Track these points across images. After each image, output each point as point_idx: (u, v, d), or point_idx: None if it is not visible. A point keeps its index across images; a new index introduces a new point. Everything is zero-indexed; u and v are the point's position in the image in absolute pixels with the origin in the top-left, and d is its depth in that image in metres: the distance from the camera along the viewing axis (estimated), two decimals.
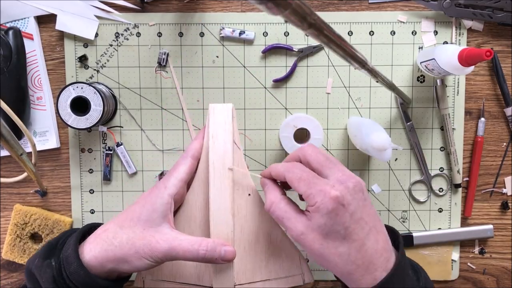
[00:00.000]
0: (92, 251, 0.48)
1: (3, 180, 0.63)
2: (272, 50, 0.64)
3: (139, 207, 0.49)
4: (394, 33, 0.64)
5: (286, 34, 0.64)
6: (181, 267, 0.52)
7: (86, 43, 0.64)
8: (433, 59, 0.57)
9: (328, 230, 0.43)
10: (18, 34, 0.61)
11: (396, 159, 0.65)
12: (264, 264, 0.51)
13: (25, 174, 0.62)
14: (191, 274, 0.52)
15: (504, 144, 0.65)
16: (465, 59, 0.52)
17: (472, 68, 0.55)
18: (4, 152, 0.64)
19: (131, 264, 0.47)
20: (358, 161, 0.65)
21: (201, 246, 0.47)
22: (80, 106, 0.59)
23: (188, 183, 0.52)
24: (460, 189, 0.66)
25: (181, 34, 0.64)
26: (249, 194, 0.51)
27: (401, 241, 0.48)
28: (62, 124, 0.65)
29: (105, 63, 0.64)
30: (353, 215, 0.43)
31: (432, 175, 0.65)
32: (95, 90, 0.58)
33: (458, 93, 0.64)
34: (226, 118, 0.51)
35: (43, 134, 0.64)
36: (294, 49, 0.63)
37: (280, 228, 0.52)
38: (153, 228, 0.48)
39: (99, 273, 0.48)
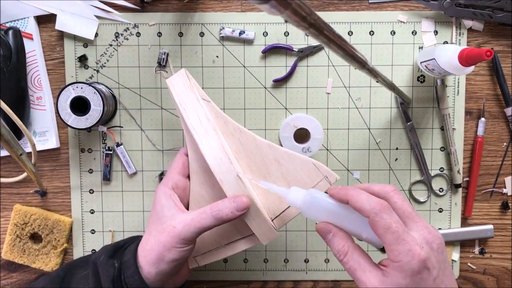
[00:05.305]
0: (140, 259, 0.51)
1: (3, 180, 0.63)
2: (272, 50, 0.64)
3: (153, 209, 0.52)
4: (394, 33, 0.64)
5: (286, 34, 0.64)
6: (220, 231, 0.52)
7: (86, 43, 0.64)
8: (433, 59, 0.56)
9: None
10: (18, 34, 0.61)
11: (396, 159, 0.65)
12: (288, 187, 0.51)
13: (25, 174, 0.62)
14: (231, 231, 0.52)
15: (504, 144, 0.65)
16: (465, 59, 0.52)
17: (472, 68, 0.55)
18: (4, 152, 0.64)
19: (167, 259, 0.49)
20: (358, 161, 0.65)
21: (212, 209, 0.48)
22: (80, 106, 0.59)
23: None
24: (460, 189, 0.66)
25: (181, 34, 0.64)
26: (241, 132, 0.52)
27: None
28: (62, 124, 0.65)
29: (105, 63, 0.64)
30: (436, 280, 0.41)
31: (432, 175, 0.65)
32: (95, 90, 0.58)
33: (458, 93, 0.64)
34: (184, 83, 0.53)
35: (43, 134, 0.64)
36: (294, 49, 0.63)
37: (281, 148, 0.52)
38: (168, 220, 0.50)
39: (153, 281, 0.50)
